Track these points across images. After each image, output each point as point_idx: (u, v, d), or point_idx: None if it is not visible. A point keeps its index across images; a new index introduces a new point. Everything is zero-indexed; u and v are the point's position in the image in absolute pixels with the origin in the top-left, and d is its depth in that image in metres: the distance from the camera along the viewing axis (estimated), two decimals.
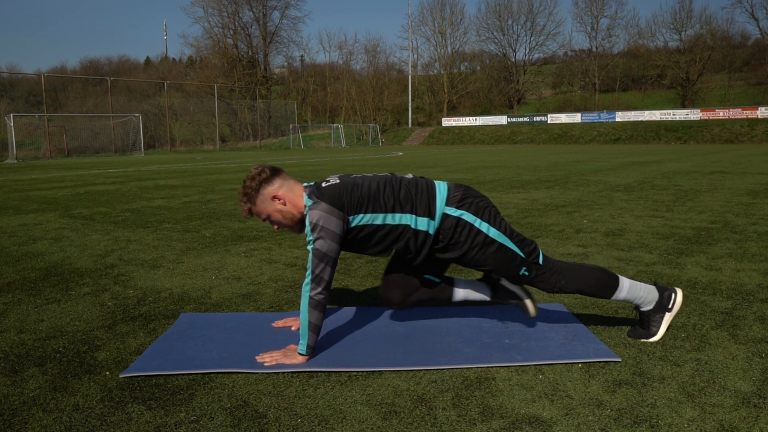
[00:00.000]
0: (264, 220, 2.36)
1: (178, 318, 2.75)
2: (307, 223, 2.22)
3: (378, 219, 2.26)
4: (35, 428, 1.74)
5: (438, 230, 2.28)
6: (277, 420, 1.77)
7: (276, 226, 2.37)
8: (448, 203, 2.27)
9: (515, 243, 2.30)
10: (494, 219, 2.29)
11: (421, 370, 2.13)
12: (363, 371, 2.12)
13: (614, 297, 2.38)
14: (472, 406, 1.85)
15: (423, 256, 2.34)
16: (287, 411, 1.83)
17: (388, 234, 2.28)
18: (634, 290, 2.39)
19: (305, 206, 2.28)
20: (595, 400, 1.87)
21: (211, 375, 2.10)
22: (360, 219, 2.25)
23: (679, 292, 2.45)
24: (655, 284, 2.48)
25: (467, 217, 2.26)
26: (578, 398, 1.89)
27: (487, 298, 2.56)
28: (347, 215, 2.23)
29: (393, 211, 2.26)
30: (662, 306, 2.40)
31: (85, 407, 1.87)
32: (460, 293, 2.55)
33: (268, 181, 2.30)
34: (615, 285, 2.37)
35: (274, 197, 2.30)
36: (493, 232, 2.27)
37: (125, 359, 2.25)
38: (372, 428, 1.72)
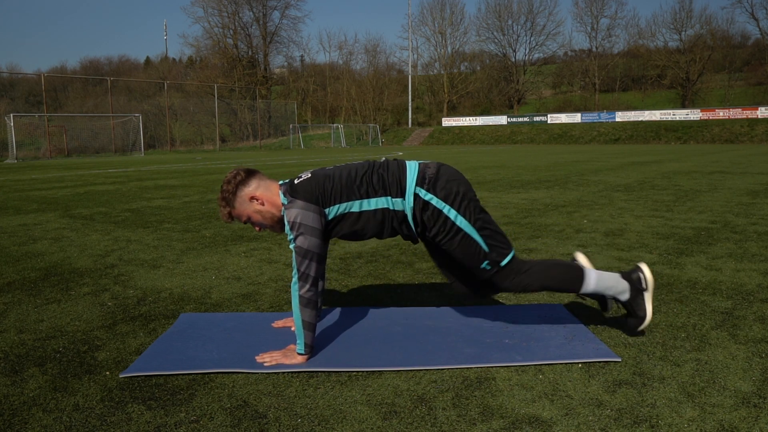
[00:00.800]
0: (245, 222, 2.37)
1: (178, 318, 2.75)
2: (285, 222, 2.23)
3: (354, 206, 2.27)
4: (35, 428, 1.74)
5: (413, 210, 2.27)
6: (277, 420, 1.77)
7: (257, 228, 2.37)
8: (419, 183, 2.25)
9: (482, 236, 2.27)
10: (464, 207, 2.25)
11: (421, 370, 2.12)
12: (363, 371, 2.12)
13: (583, 290, 2.36)
14: (472, 406, 1.85)
15: (417, 237, 2.35)
16: (287, 411, 1.83)
17: (370, 219, 2.28)
18: (603, 281, 2.37)
19: (282, 204, 2.28)
20: (595, 400, 1.87)
21: (211, 375, 2.10)
22: (336, 209, 2.26)
23: (644, 267, 2.42)
24: (619, 273, 2.45)
25: (435, 202, 2.24)
26: (578, 398, 1.89)
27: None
28: (323, 208, 2.24)
29: (368, 197, 2.26)
30: (637, 290, 2.39)
31: (85, 407, 1.87)
32: None
33: (244, 182, 2.30)
34: (580, 277, 2.34)
35: (252, 198, 2.30)
36: (460, 221, 2.25)
37: (125, 359, 2.25)
38: (372, 428, 1.72)
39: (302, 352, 2.18)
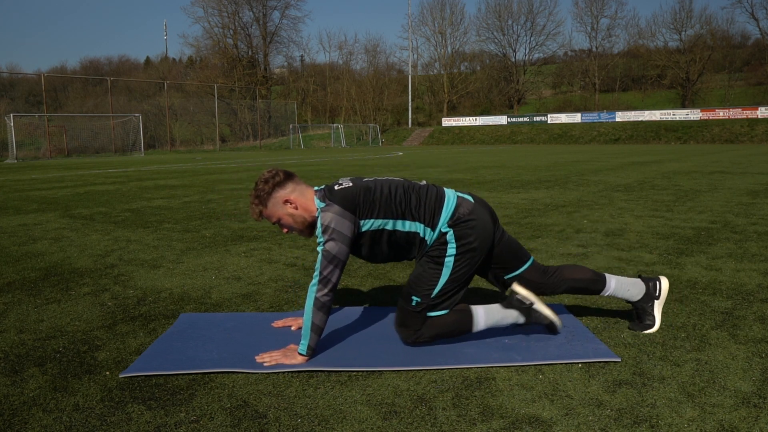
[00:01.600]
0: (274, 223, 2.37)
1: (178, 318, 2.75)
2: (318, 224, 2.23)
3: (389, 224, 2.28)
4: (35, 428, 1.74)
5: (433, 242, 2.30)
6: (277, 420, 1.77)
7: (285, 230, 2.38)
8: (449, 219, 2.28)
9: (444, 285, 2.27)
10: (464, 258, 2.27)
11: (421, 370, 2.12)
12: (363, 371, 2.12)
13: (476, 329, 2.34)
14: (472, 406, 1.85)
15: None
16: (287, 411, 1.83)
17: (398, 240, 2.30)
18: (493, 317, 2.35)
19: (317, 209, 2.29)
20: (595, 400, 1.87)
21: (211, 375, 2.10)
22: (371, 224, 2.26)
23: (516, 287, 2.40)
24: (504, 303, 2.42)
25: (449, 236, 2.27)
26: (578, 398, 1.89)
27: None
28: (359, 219, 2.24)
29: (404, 218, 2.28)
30: (524, 309, 2.36)
31: (85, 407, 1.87)
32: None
33: (281, 184, 2.31)
34: (469, 321, 2.32)
35: (286, 201, 2.31)
36: (448, 261, 2.27)
37: (125, 359, 2.25)
38: (372, 428, 1.72)
39: (304, 353, 2.18)
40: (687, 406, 1.82)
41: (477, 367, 2.14)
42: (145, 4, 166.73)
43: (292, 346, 2.27)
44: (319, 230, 2.22)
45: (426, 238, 2.29)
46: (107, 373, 2.13)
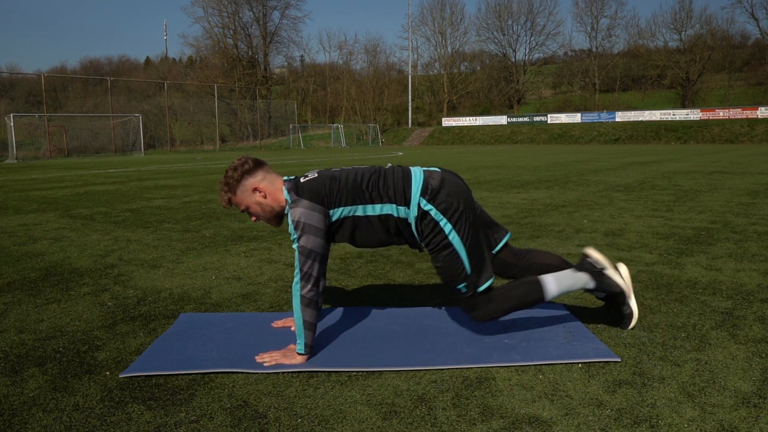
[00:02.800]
0: (243, 211, 2.38)
1: (178, 318, 2.75)
2: (289, 221, 2.24)
3: (359, 210, 2.27)
4: (35, 428, 1.74)
5: (416, 219, 2.27)
6: (277, 420, 1.77)
7: (254, 218, 2.39)
8: (422, 193, 2.25)
9: (469, 257, 2.27)
10: (460, 224, 2.26)
11: (421, 370, 2.12)
12: (363, 371, 2.12)
13: (548, 297, 2.36)
14: (472, 406, 1.85)
15: (421, 245, 2.36)
16: (287, 411, 1.83)
17: (374, 224, 2.29)
18: (563, 281, 2.37)
19: (286, 201, 2.29)
20: (595, 400, 1.87)
21: (211, 375, 2.10)
22: (341, 212, 2.26)
23: (589, 251, 2.43)
24: (573, 267, 2.45)
25: (434, 213, 2.24)
26: (578, 398, 1.89)
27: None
28: (328, 209, 2.24)
29: (373, 202, 2.27)
30: (596, 272, 2.38)
31: (85, 407, 1.87)
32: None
33: (250, 172, 2.31)
34: (539, 287, 2.34)
35: (255, 189, 2.31)
36: (453, 236, 2.25)
37: (125, 359, 2.25)
38: (372, 428, 1.72)
39: (302, 352, 2.18)
40: (687, 406, 1.82)
41: (477, 367, 2.14)
42: (145, 4, 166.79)
43: (291, 346, 2.27)
44: (291, 227, 2.22)
45: (402, 216, 2.27)
46: (107, 373, 2.13)
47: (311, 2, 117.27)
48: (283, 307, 2.94)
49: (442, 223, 2.24)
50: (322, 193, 2.24)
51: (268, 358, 2.19)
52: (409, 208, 2.26)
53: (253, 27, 57.29)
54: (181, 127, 46.78)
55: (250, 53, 57.40)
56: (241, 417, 1.79)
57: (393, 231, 2.32)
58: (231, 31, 56.41)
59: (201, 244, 4.62)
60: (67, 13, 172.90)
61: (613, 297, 2.48)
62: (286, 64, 63.28)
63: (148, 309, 2.91)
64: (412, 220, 2.27)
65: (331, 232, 2.30)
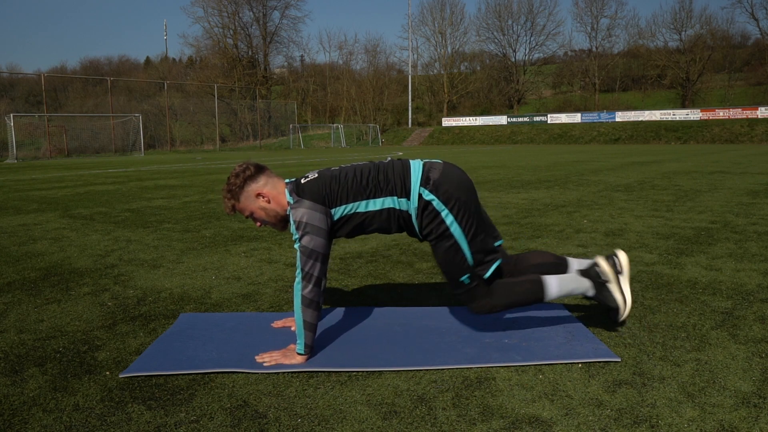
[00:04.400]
0: (247, 217, 2.37)
1: (177, 318, 2.75)
2: (291, 222, 2.23)
3: (360, 206, 2.27)
4: (35, 428, 1.74)
5: (416, 210, 2.27)
6: (277, 420, 1.77)
7: (258, 224, 2.38)
8: (422, 183, 2.25)
9: (471, 248, 2.26)
10: (462, 214, 2.25)
11: (421, 370, 2.12)
12: (363, 371, 2.12)
13: (547, 298, 2.36)
14: (472, 406, 1.85)
15: (421, 236, 2.35)
16: (287, 411, 1.83)
17: (375, 218, 2.29)
18: (565, 284, 2.37)
19: (288, 203, 2.29)
20: (595, 400, 1.87)
21: (211, 375, 2.10)
22: (343, 210, 2.27)
23: (599, 260, 2.41)
24: (578, 271, 2.45)
25: (436, 203, 2.24)
26: (578, 398, 1.89)
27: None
28: (329, 208, 2.24)
29: (374, 197, 2.27)
30: (598, 283, 2.39)
31: (85, 407, 1.87)
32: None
33: (252, 178, 2.31)
34: (541, 287, 2.34)
35: (259, 194, 2.31)
36: (454, 228, 2.24)
37: (125, 359, 2.25)
38: (372, 428, 1.72)
39: (302, 352, 2.18)
40: (687, 406, 1.82)
41: (477, 367, 2.14)
42: (145, 4, 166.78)
43: (291, 346, 2.27)
44: (292, 227, 2.22)
45: (403, 208, 2.27)
46: (107, 373, 2.13)
47: (311, 2, 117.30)
48: (282, 307, 2.94)
49: (443, 214, 2.24)
50: (324, 192, 2.24)
51: (268, 358, 2.19)
52: (409, 199, 2.26)
53: (253, 27, 57.33)
54: (181, 127, 46.77)
55: (250, 53, 57.40)
56: (241, 417, 1.79)
57: (394, 224, 2.32)
58: (231, 31, 56.43)
59: (201, 244, 4.62)
60: (67, 13, 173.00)
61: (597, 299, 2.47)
62: (286, 64, 63.35)
63: (148, 309, 2.91)
64: (413, 212, 2.27)
65: (334, 230, 2.30)
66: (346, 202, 2.26)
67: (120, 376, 2.09)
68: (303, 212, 2.20)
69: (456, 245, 2.25)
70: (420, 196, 2.25)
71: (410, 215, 2.28)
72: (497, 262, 2.32)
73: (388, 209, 2.28)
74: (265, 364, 2.16)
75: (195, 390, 1.98)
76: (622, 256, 2.45)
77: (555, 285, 2.36)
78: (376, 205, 2.27)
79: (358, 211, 2.28)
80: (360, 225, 2.31)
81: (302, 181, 2.31)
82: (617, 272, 2.43)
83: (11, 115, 28.56)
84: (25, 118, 33.98)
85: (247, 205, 2.32)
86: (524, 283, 2.36)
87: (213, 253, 4.24)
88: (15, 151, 27.77)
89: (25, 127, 34.06)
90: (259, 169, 2.33)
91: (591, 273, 2.40)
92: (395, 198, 2.26)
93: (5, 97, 43.91)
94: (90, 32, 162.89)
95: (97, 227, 5.56)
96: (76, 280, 3.49)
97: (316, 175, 2.32)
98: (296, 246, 2.22)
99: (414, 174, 2.27)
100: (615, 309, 2.39)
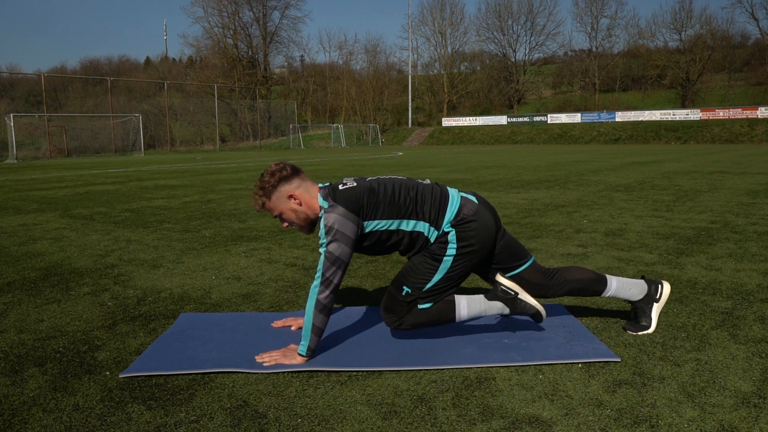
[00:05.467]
0: (275, 216, 2.36)
1: (177, 318, 2.75)
2: (321, 225, 2.22)
3: (393, 225, 2.28)
4: (35, 428, 1.74)
5: (436, 239, 2.30)
6: (277, 420, 1.77)
7: (285, 224, 2.37)
8: (453, 222, 2.28)
9: (438, 283, 2.29)
10: (462, 259, 2.28)
11: (421, 370, 2.12)
12: (363, 371, 2.12)
13: (459, 320, 2.36)
14: (472, 406, 1.85)
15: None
16: (287, 411, 1.83)
17: (402, 239, 2.31)
18: (474, 308, 2.36)
19: (320, 208, 2.28)
20: (595, 400, 1.87)
21: (211, 375, 2.10)
22: (376, 224, 2.27)
23: (499, 277, 2.39)
24: (486, 296, 2.42)
25: (451, 236, 2.27)
26: (578, 398, 1.89)
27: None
28: (362, 220, 2.24)
29: (408, 218, 2.28)
30: (509, 300, 2.35)
31: (85, 407, 1.87)
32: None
33: (287, 179, 2.30)
34: (452, 309, 2.34)
35: (291, 196, 2.30)
36: (446, 261, 2.28)
37: (125, 359, 2.25)
38: (372, 428, 1.72)
39: (304, 354, 2.18)
40: (687, 406, 1.82)
41: (477, 367, 2.14)
42: (145, 4, 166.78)
43: (292, 346, 2.27)
44: (322, 231, 2.22)
45: (430, 237, 2.30)
46: (107, 373, 2.13)
47: (311, 2, 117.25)
48: (282, 307, 2.94)
49: (449, 246, 2.27)
50: (360, 203, 2.24)
51: (267, 358, 2.19)
52: (438, 230, 2.28)
53: (253, 27, 57.31)
54: (181, 127, 46.78)
55: (250, 53, 57.40)
56: (241, 417, 1.79)
57: (413, 246, 2.33)
58: (231, 31, 56.42)
59: (201, 244, 4.62)
60: (67, 13, 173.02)
61: (635, 307, 2.50)
62: (286, 64, 63.34)
63: (148, 309, 2.91)
64: (433, 240, 2.29)
65: (360, 242, 2.30)
66: (381, 218, 2.26)
67: (120, 376, 2.09)
68: (335, 218, 2.20)
69: (433, 270, 2.28)
70: (443, 230, 2.28)
71: (430, 242, 2.31)
72: (428, 306, 2.32)
73: (419, 233, 2.29)
74: (265, 364, 2.15)
75: (195, 390, 1.98)
76: (666, 287, 2.50)
77: (465, 307, 2.35)
78: (408, 226, 2.28)
79: (390, 228, 2.28)
80: (386, 241, 2.31)
81: (340, 187, 2.30)
82: (655, 299, 2.47)
83: (11, 115, 28.56)
84: (25, 118, 33.99)
85: (278, 204, 2.32)
86: (436, 304, 2.35)
87: (213, 253, 4.24)
88: (15, 151, 27.77)
89: (25, 127, 34.06)
90: (295, 171, 2.33)
91: (498, 293, 2.37)
92: (427, 225, 2.28)
93: (5, 97, 43.91)
94: (90, 32, 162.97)
95: (97, 227, 5.56)
96: (76, 280, 3.49)
97: (354, 183, 2.31)
98: (321, 250, 2.21)
99: (450, 209, 2.29)
100: (535, 314, 2.37)
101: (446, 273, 2.28)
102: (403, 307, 2.31)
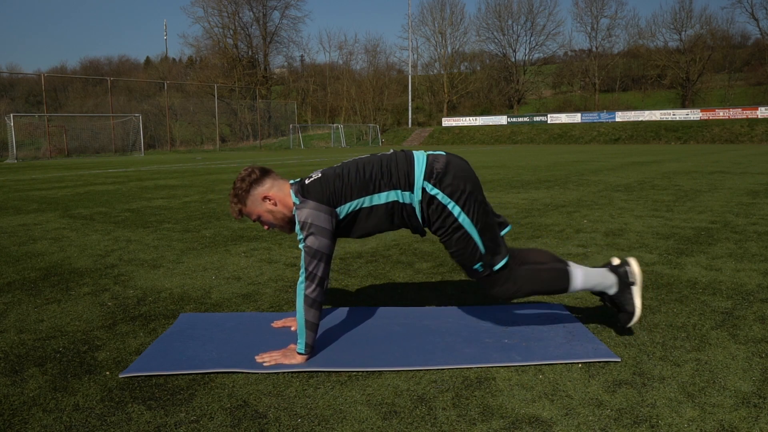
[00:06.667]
0: (254, 221, 2.37)
1: (177, 318, 2.75)
2: (296, 222, 2.24)
3: (365, 202, 2.27)
4: (35, 428, 1.74)
5: (420, 204, 2.27)
6: (277, 420, 1.77)
7: (266, 227, 2.38)
8: (426, 177, 2.25)
9: (481, 236, 2.27)
10: (468, 205, 2.25)
11: (421, 370, 2.12)
12: (363, 371, 2.12)
13: (571, 289, 2.36)
14: (472, 406, 1.85)
15: (424, 230, 2.36)
16: (287, 411, 1.83)
17: (380, 213, 2.30)
18: (590, 277, 2.37)
19: (294, 204, 2.29)
20: (595, 400, 1.87)
21: (211, 375, 2.10)
22: (348, 207, 2.27)
23: (632, 262, 2.42)
24: (606, 267, 2.45)
25: (441, 197, 2.24)
26: (578, 398, 1.89)
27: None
28: (335, 208, 2.24)
29: (378, 191, 2.27)
30: (624, 283, 2.39)
31: (85, 407, 1.87)
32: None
33: (258, 181, 2.31)
34: (566, 277, 2.35)
35: (265, 197, 2.31)
36: (462, 218, 2.25)
37: (125, 359, 2.25)
38: (372, 428, 1.72)
39: (302, 351, 2.18)
40: (687, 406, 1.82)
41: (477, 367, 2.14)
42: (145, 4, 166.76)
43: (292, 346, 2.27)
44: (297, 228, 2.23)
45: (406, 201, 2.27)
46: (107, 373, 2.13)
47: (311, 2, 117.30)
48: (282, 307, 2.94)
49: (450, 207, 2.24)
50: (328, 192, 2.24)
51: (267, 358, 2.19)
52: (413, 192, 2.26)
53: (253, 27, 57.33)
54: (181, 127, 46.78)
55: (250, 53, 57.40)
56: (241, 417, 1.79)
57: (397, 219, 2.32)
58: (231, 31, 56.42)
59: (201, 244, 4.62)
60: (67, 13, 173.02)
61: (615, 299, 2.46)
62: (286, 64, 63.36)
63: (148, 309, 2.91)
64: (416, 205, 2.27)
65: (340, 228, 2.30)
66: (351, 200, 2.26)
67: (120, 376, 2.09)
68: (308, 213, 2.20)
69: (466, 235, 2.26)
70: (424, 189, 2.25)
71: (414, 208, 2.28)
72: (506, 259, 2.32)
73: (393, 203, 2.27)
74: (265, 364, 2.16)
75: (195, 390, 1.98)
76: (634, 265, 2.45)
77: (580, 277, 2.36)
78: (381, 199, 2.27)
79: (363, 206, 2.28)
80: (365, 221, 2.31)
81: (306, 181, 2.31)
82: (630, 284, 2.43)
83: (11, 115, 28.56)
84: (25, 118, 33.99)
85: (254, 208, 2.32)
86: (551, 271, 2.36)
87: (213, 253, 4.24)
88: (15, 151, 27.77)
89: (25, 127, 34.06)
90: (265, 172, 2.33)
91: (620, 271, 2.39)
92: (399, 191, 2.26)
93: (5, 97, 43.91)
94: (90, 32, 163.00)
95: (97, 227, 5.56)
96: (76, 280, 3.49)
97: (320, 174, 2.32)
98: (301, 246, 2.22)
99: (418, 167, 2.27)
100: (629, 313, 2.37)
101: (476, 226, 2.26)
102: (497, 277, 2.30)
